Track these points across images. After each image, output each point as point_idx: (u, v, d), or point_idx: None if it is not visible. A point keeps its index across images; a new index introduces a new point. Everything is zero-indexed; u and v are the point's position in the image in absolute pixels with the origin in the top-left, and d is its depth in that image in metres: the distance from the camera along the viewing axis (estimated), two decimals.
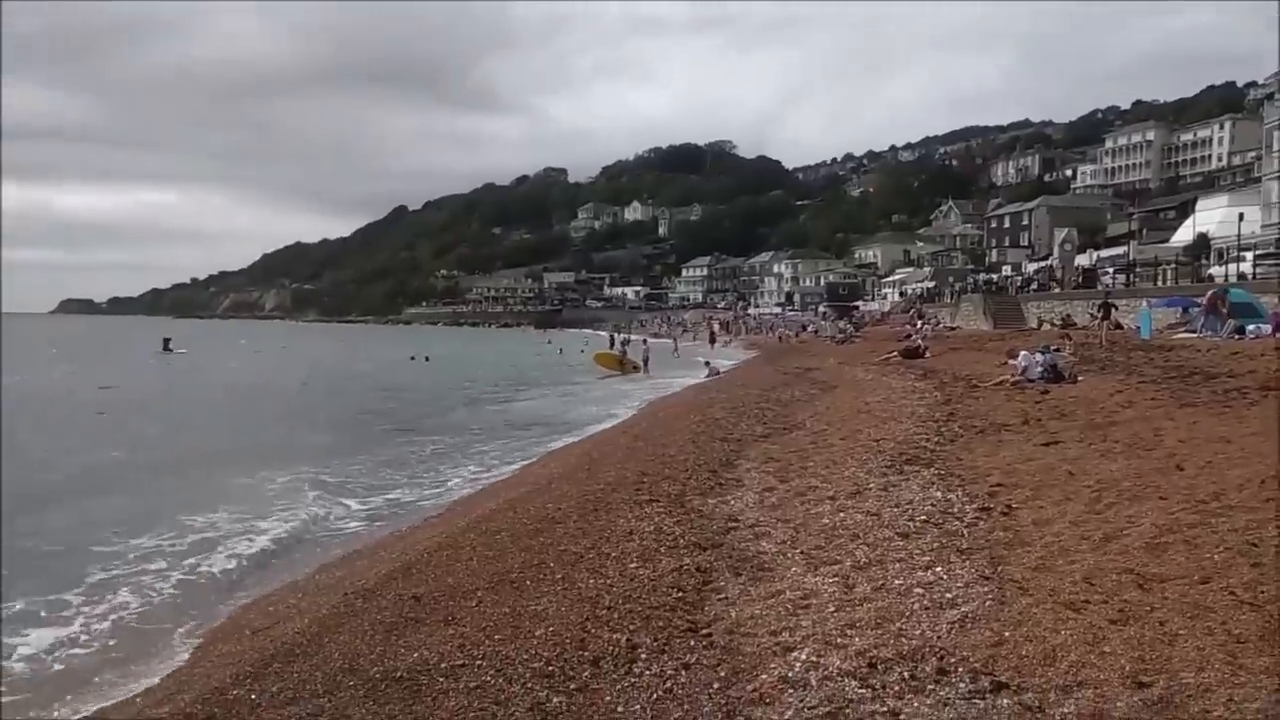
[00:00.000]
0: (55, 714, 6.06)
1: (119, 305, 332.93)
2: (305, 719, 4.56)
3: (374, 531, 11.26)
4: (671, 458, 12.13)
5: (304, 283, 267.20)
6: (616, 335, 60.26)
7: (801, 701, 4.46)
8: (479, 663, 5.16)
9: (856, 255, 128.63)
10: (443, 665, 5.15)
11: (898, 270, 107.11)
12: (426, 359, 51.42)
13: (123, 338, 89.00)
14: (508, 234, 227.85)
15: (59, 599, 8.53)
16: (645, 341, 52.64)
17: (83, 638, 7.68)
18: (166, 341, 61.62)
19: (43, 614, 8.12)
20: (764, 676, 4.81)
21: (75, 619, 8.06)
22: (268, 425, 23.47)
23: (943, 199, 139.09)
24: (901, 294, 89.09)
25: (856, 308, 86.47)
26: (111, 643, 7.56)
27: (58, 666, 7.00)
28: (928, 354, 29.08)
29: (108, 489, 14.23)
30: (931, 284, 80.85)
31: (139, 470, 16.11)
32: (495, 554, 7.81)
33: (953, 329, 46.63)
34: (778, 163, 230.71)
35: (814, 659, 4.96)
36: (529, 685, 4.81)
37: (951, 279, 75.33)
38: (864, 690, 4.52)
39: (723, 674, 4.88)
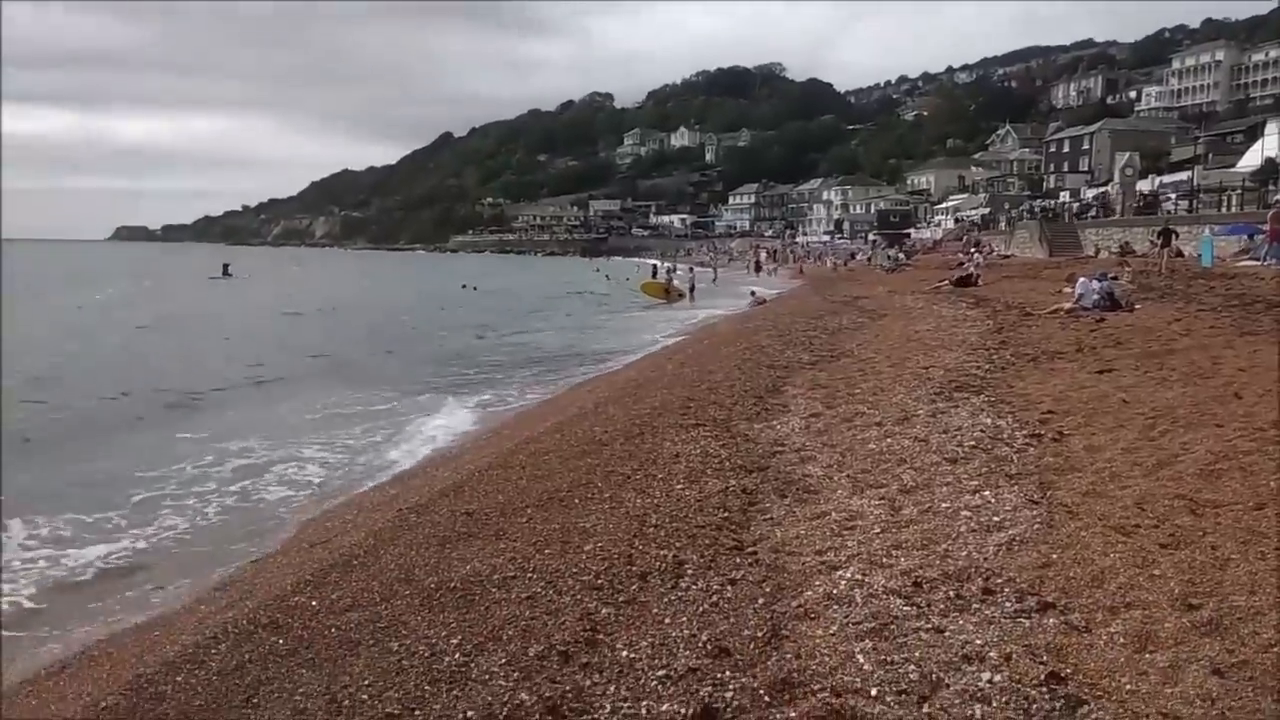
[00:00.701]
0: (124, 621, 6.34)
1: (172, 232, 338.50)
2: (364, 625, 4.73)
3: (423, 452, 11.52)
4: (718, 384, 12.15)
5: (352, 210, 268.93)
6: (660, 264, 60.07)
7: (846, 617, 4.52)
8: (530, 575, 5.29)
9: (909, 181, 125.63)
10: (495, 577, 5.29)
11: (951, 197, 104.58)
12: (475, 288, 52.32)
13: (180, 264, 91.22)
14: (553, 161, 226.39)
15: (107, 517, 8.97)
16: (691, 270, 52.41)
17: (140, 551, 8.05)
18: (225, 267, 63.17)
19: (87, 535, 8.51)
20: (809, 593, 4.87)
21: (126, 536, 8.44)
22: (326, 349, 24.07)
23: (1000, 123, 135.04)
24: (955, 221, 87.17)
25: (908, 235, 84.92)
26: (170, 556, 7.90)
27: (119, 580, 7.35)
28: (980, 282, 28.55)
29: (161, 414, 14.72)
30: (986, 210, 78.92)
31: (191, 395, 16.59)
32: (544, 474, 7.95)
33: (1006, 257, 45.59)
34: (829, 86, 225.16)
35: (859, 577, 5.01)
36: (578, 597, 4.92)
37: (1007, 205, 73.46)
38: (909, 608, 4.56)
39: (768, 590, 4.95)
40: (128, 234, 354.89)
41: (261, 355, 22.20)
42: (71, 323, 30.96)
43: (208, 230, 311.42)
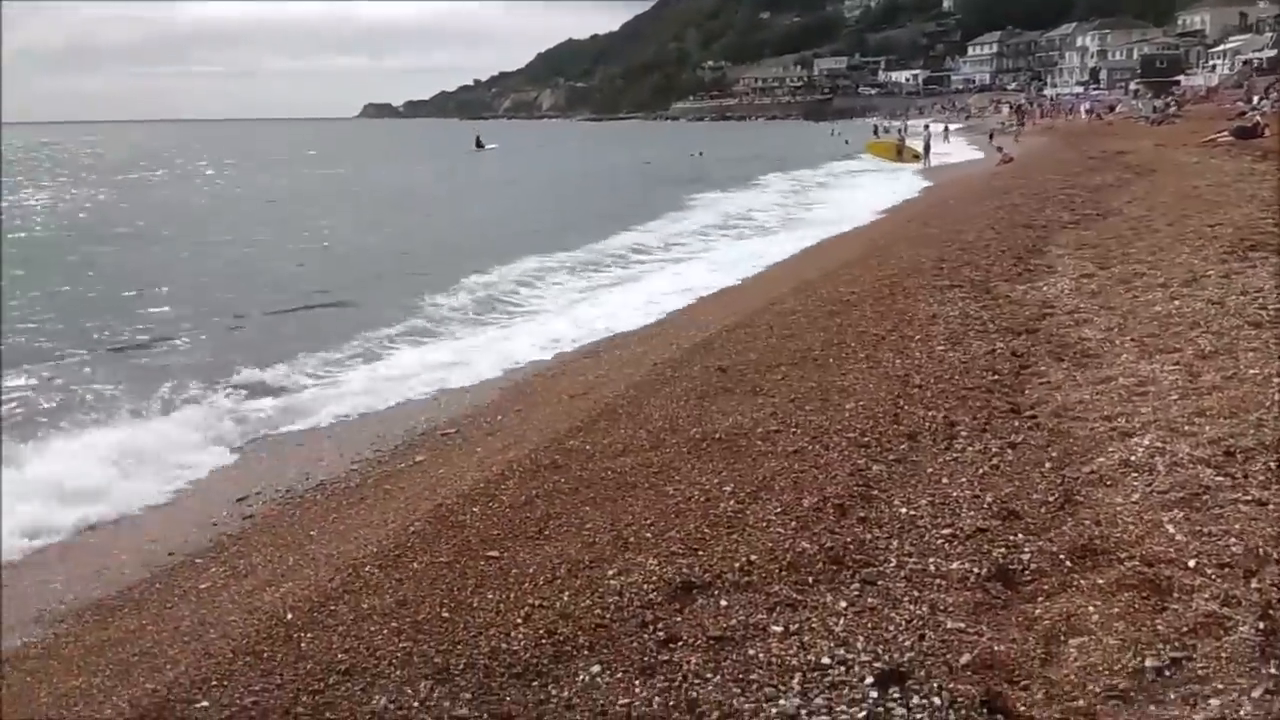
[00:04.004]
0: (406, 459, 6.90)
1: (413, 108, 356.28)
2: (638, 469, 4.87)
3: (664, 308, 11.76)
4: (969, 243, 11.45)
5: (576, 80, 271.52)
6: (882, 125, 57.74)
7: (1149, 485, 4.16)
8: (793, 430, 5.23)
9: (1179, 22, 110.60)
10: (758, 430, 5.28)
11: (1230, 38, 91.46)
12: (701, 154, 53.08)
13: (436, 138, 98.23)
14: (776, 19, 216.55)
15: (343, 362, 9.99)
16: (926, 128, 49.38)
17: (397, 394, 8.78)
18: (478, 139, 68.32)
19: (308, 381, 9.41)
20: (1101, 459, 4.52)
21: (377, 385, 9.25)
22: (585, 206, 25.62)
23: None
24: (1234, 66, 76.50)
25: (1176, 83, 75.59)
26: (432, 402, 8.52)
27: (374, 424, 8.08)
28: (1266, 132, 25.07)
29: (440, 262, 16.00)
30: (1273, 53, 68.71)
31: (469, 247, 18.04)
32: (792, 333, 7.82)
33: None
34: None
35: (1159, 445, 4.59)
36: (846, 453, 4.82)
37: None
38: (1221, 478, 4.13)
39: (1054, 455, 4.65)
40: (374, 111, 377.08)
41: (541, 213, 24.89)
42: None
43: (445, 105, 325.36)
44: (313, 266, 17.37)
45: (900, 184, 28.24)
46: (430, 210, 28.67)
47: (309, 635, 3.48)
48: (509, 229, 22.17)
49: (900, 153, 40.33)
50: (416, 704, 2.93)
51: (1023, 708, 2.73)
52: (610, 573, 3.68)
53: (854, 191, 27.07)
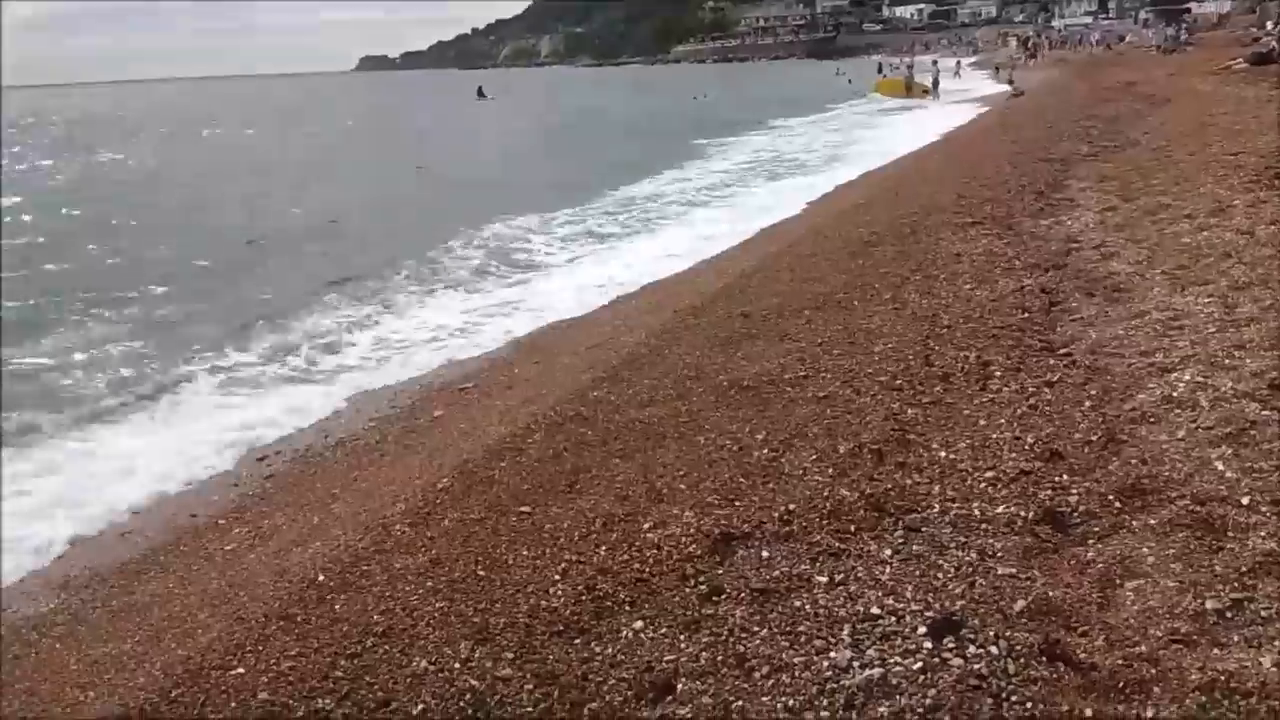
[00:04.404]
0: (421, 418, 6.80)
1: (410, 59, 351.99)
2: (666, 419, 4.77)
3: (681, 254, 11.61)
4: (988, 179, 11.21)
5: (575, 26, 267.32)
6: (888, 64, 56.69)
7: (1194, 422, 4.05)
8: (823, 375, 5.12)
9: None
10: (786, 376, 5.16)
11: None
12: (706, 96, 52.46)
13: (436, 88, 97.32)
14: None
15: (354, 318, 9.98)
16: (935, 63, 48.43)
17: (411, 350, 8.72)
18: (480, 89, 67.48)
19: (320, 337, 9.38)
20: (1142, 396, 4.40)
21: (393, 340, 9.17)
22: (597, 155, 25.62)
23: None
24: None
25: (1188, 11, 73.83)
26: (447, 357, 8.43)
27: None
28: None
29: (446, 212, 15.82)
30: None
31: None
32: (813, 276, 7.67)
33: None
34: None
35: (1200, 380, 4.46)
36: (879, 397, 4.71)
37: None
38: (1268, 413, 4.01)
39: (1093, 393, 4.52)
40: (371, 64, 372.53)
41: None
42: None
43: (443, 55, 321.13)
44: (323, 223, 17.11)
45: (912, 122, 27.74)
46: (438, 161, 28.23)
47: (343, 597, 3.41)
48: (522, 179, 21.86)
49: (909, 89, 39.67)
50: (457, 665, 2.87)
51: (1083, 654, 2.65)
52: (646, 526, 3.60)
53: (867, 132, 26.59)
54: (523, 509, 3.95)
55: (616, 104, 56.21)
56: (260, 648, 3.14)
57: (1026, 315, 5.86)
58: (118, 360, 8.98)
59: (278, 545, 4.61)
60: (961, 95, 36.40)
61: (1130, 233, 7.76)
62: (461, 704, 2.68)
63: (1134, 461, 3.77)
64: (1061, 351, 5.19)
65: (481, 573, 3.42)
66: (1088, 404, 4.40)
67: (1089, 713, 2.42)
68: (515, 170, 24.86)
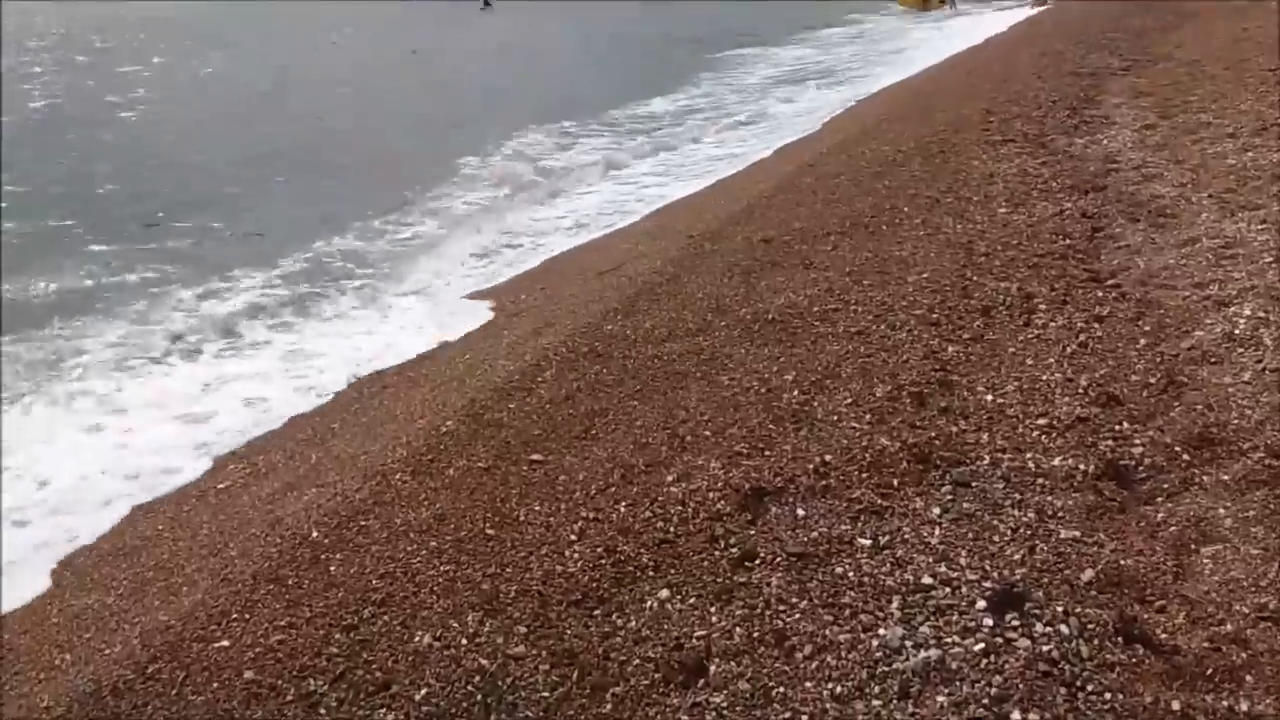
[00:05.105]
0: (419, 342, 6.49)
1: None
2: (686, 356, 4.44)
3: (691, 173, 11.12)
4: (1017, 94, 10.65)
5: None
6: None
7: (1259, 362, 3.72)
8: (854, 308, 4.77)
9: None
10: (814, 309, 4.81)
11: None
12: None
13: None
14: None
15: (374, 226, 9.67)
16: None
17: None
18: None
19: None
20: (1200, 333, 4.06)
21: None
22: (614, 70, 24.54)
23: None
24: None
25: None
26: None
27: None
28: None
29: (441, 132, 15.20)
30: None
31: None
32: (838, 198, 7.24)
33: None
34: None
35: (1261, 314, 4.12)
36: (915, 333, 4.37)
37: None
38: None
39: (1147, 329, 4.19)
40: None
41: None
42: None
43: None
44: (326, 140, 16.40)
45: (935, 34, 26.71)
46: (448, 77, 27.13)
47: (338, 557, 3.13)
48: (531, 95, 20.82)
49: (928, 1, 38.23)
50: (465, 641, 2.60)
51: (1164, 634, 2.37)
52: (669, 478, 3.30)
53: (887, 44, 25.57)
54: (534, 457, 3.64)
55: (632, 11, 54.39)
56: (248, 615, 2.87)
57: (1069, 242, 5.48)
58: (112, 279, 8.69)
59: (272, 487, 4.33)
60: (984, 7, 35.06)
61: (1171, 153, 7.32)
62: (469, 687, 2.42)
63: (1199, 407, 3.46)
64: (1109, 283, 4.83)
65: (490, 531, 3.13)
66: (1142, 341, 4.07)
67: (1176, 706, 2.15)
68: (528, 85, 23.67)
